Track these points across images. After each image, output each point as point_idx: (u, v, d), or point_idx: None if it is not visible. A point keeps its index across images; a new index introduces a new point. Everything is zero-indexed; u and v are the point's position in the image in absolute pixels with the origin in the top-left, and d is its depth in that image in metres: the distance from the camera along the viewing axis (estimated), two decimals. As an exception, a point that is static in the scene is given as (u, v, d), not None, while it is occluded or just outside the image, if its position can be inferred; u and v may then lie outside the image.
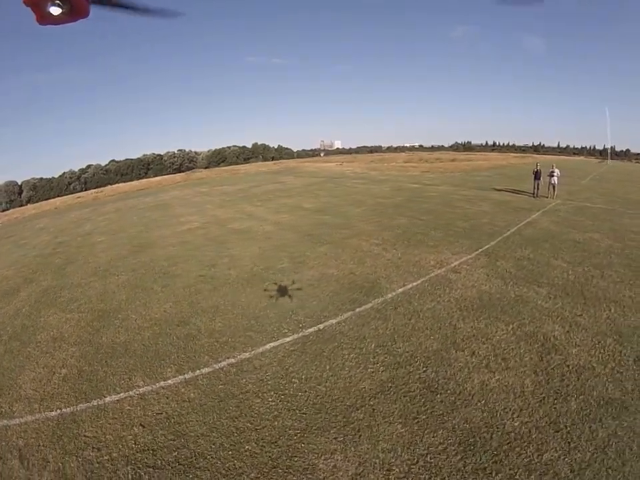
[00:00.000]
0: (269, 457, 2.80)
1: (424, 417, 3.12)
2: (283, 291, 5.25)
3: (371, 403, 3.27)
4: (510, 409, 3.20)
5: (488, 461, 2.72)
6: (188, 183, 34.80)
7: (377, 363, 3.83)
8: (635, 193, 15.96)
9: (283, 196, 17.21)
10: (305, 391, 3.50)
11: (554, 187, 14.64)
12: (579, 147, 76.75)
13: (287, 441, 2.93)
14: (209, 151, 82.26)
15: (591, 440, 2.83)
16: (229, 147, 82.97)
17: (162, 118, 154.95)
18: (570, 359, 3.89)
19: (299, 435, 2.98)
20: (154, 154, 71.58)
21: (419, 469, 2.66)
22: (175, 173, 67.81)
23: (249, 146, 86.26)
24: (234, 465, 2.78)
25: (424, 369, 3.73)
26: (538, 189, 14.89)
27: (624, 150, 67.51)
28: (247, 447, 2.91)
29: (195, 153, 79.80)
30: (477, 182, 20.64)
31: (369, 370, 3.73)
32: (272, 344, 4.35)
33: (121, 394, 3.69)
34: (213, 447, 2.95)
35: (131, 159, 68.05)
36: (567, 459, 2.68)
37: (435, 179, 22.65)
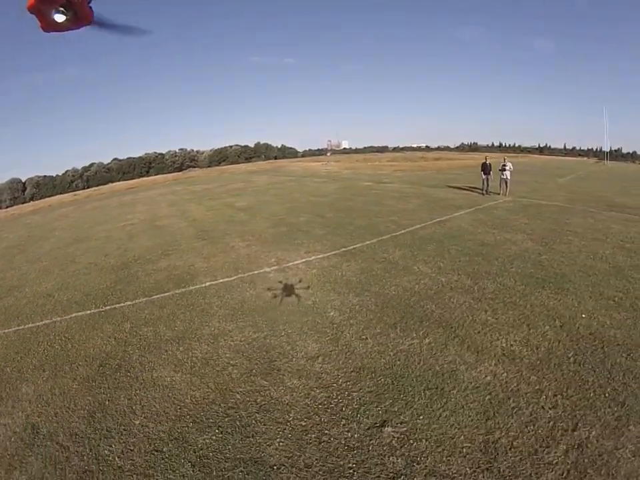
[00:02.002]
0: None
1: (76, 385, 3.66)
2: (288, 290, 5.42)
3: (55, 363, 4.10)
4: (167, 403, 3.26)
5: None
6: (173, 182, 36.53)
7: (111, 338, 4.55)
8: (613, 191, 15.28)
9: (233, 194, 18.22)
10: (52, 349, 4.49)
11: (506, 183, 13.80)
12: (585, 148, 75.02)
13: (12, 373, 4.07)
14: (211, 150, 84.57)
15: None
16: (230, 147, 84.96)
17: (167, 117, 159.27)
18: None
19: (20, 373, 4.06)
20: (156, 153, 74.39)
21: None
22: (176, 172, 70.30)
23: (253, 145, 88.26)
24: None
25: (136, 351, 4.15)
26: (488, 185, 14.13)
27: (630, 152, 65.62)
28: (-1, 373, 4.10)
29: (197, 152, 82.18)
30: (439, 179, 20.94)
31: (97, 341, 4.51)
32: (78, 314, 5.39)
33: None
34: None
35: (133, 158, 71.01)
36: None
37: (396, 177, 23.14)
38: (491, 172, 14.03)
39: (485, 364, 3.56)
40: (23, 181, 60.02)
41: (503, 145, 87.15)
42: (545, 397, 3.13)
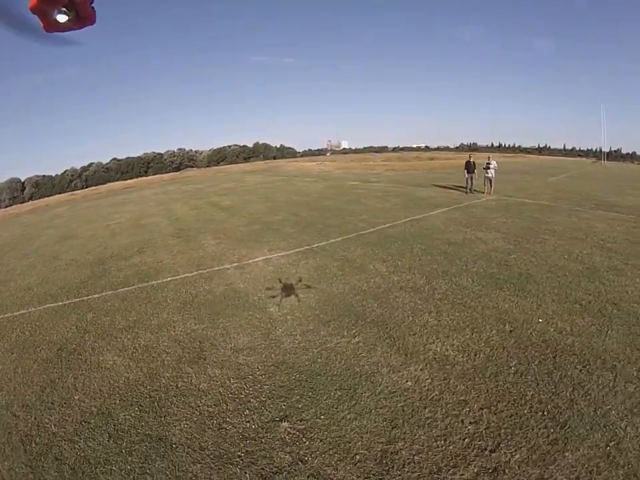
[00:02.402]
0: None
1: (35, 366, 4.24)
2: (288, 291, 5.40)
3: (23, 347, 4.58)
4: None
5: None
6: (168, 182, 37.11)
7: (73, 326, 5.02)
8: (604, 190, 15.00)
9: (221, 194, 18.69)
10: (22, 335, 4.97)
11: (490, 181, 13.76)
12: (585, 149, 75.02)
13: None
14: (210, 150, 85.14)
15: None
16: (229, 146, 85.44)
17: (166, 117, 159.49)
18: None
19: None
20: (154, 153, 75.03)
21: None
22: (174, 172, 70.89)
23: (252, 145, 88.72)
24: None
25: (92, 338, 4.61)
26: (472, 183, 14.12)
27: (630, 152, 65.54)
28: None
29: (195, 152, 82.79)
30: (428, 179, 20.79)
31: (62, 329, 4.98)
32: (51, 305, 5.91)
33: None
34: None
35: (132, 158, 71.69)
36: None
37: (386, 176, 23.46)
38: (475, 170, 14.05)
39: (411, 368, 3.43)
40: (22, 180, 60.95)
41: (503, 145, 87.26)
42: (468, 409, 2.89)
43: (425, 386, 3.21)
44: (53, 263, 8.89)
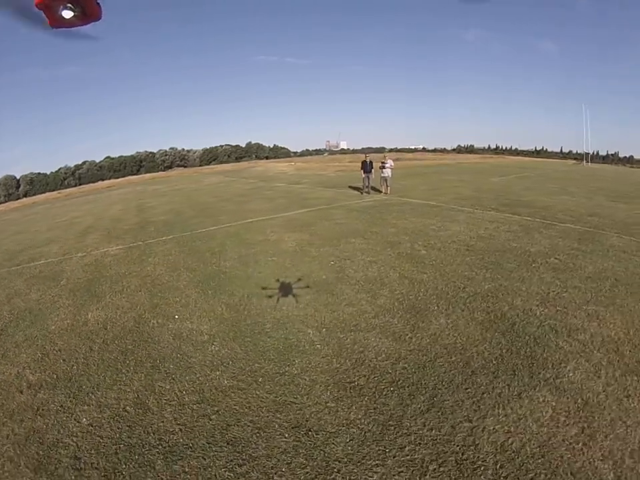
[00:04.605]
0: None
1: None
2: (286, 290, 5.78)
3: None
4: None
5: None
6: (142, 182, 41.47)
7: None
8: (539, 190, 15.61)
9: (160, 195, 22.41)
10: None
11: (386, 181, 14.54)
12: (582, 152, 76.28)
13: None
14: (202, 150, 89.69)
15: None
16: (221, 146, 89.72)
17: (167, 117, 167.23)
18: None
19: None
20: (146, 151, 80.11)
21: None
22: (165, 170, 75.79)
23: (245, 145, 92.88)
24: None
25: None
26: (369, 182, 14.86)
27: (627, 156, 66.50)
28: None
29: (188, 151, 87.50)
30: (357, 179, 23.15)
31: None
32: None
33: None
34: None
35: (124, 156, 76.95)
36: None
37: (327, 177, 26.34)
38: (372, 170, 14.86)
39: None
40: (17, 178, 66.66)
41: (500, 147, 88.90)
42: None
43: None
44: (-7, 252, 12.91)
